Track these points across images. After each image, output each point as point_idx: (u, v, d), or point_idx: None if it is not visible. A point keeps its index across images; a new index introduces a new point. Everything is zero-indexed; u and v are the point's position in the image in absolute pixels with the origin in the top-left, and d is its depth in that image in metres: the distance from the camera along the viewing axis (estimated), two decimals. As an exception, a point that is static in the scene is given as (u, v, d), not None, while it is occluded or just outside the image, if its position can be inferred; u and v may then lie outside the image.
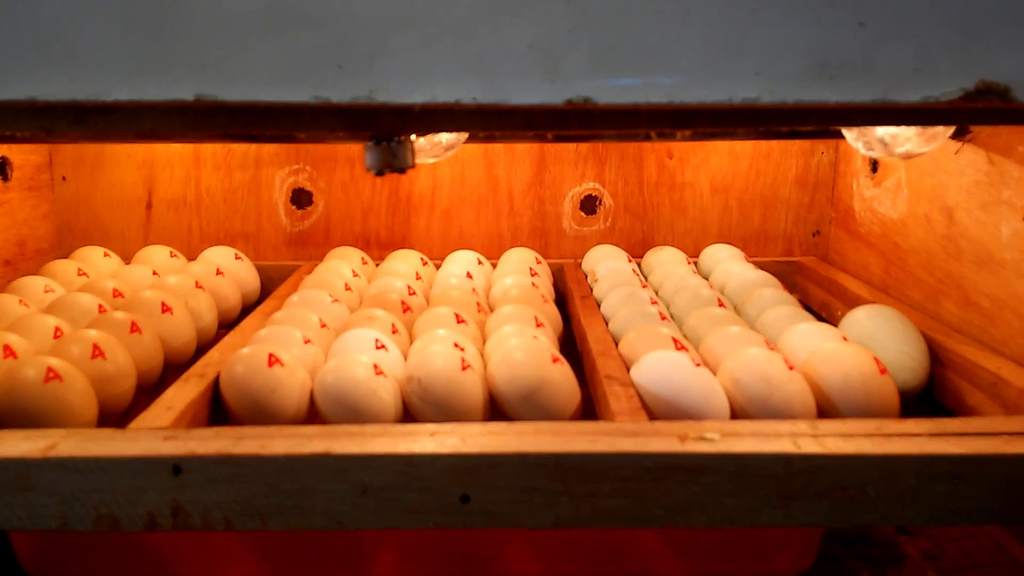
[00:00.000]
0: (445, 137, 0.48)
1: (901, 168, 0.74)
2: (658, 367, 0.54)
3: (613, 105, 0.37)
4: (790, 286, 0.87)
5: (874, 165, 0.79)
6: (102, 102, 0.35)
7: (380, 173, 0.40)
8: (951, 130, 0.52)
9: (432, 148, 0.50)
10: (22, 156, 0.83)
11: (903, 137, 0.50)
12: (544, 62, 0.37)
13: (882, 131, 0.51)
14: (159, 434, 0.44)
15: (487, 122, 0.39)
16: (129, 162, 0.88)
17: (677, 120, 0.39)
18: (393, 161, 0.39)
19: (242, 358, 0.53)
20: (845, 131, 0.54)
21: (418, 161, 0.54)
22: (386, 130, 0.39)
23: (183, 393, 0.51)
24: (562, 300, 0.80)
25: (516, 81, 0.37)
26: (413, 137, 0.43)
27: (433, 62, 0.36)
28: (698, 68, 0.37)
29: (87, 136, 0.60)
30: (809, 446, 0.43)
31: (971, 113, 0.40)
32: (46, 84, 0.35)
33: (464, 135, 0.51)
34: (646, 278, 0.82)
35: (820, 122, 0.39)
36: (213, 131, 0.38)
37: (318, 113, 0.38)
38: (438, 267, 0.85)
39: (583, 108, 0.37)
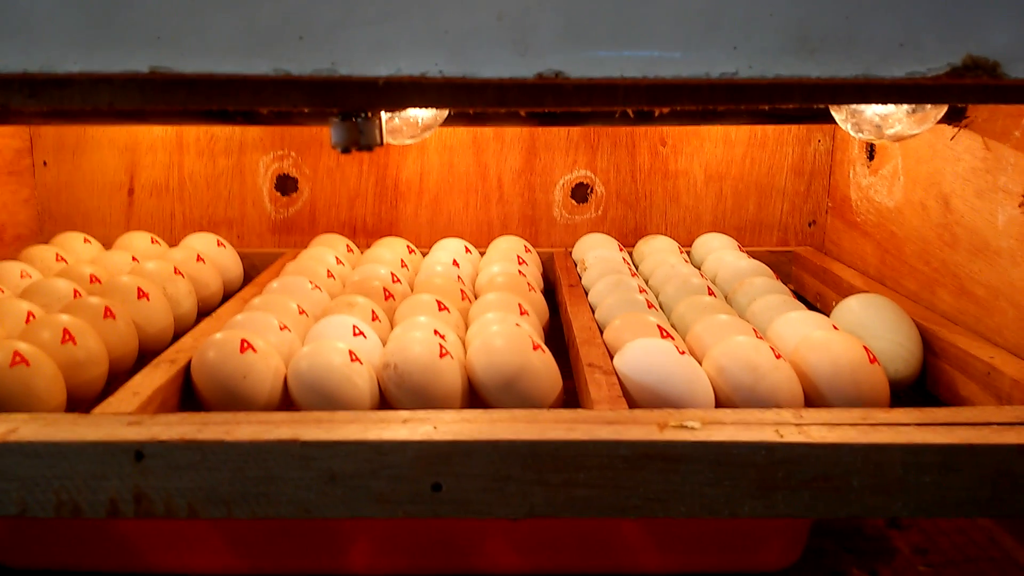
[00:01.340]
0: (420, 116, 0.47)
1: (898, 155, 0.72)
2: (641, 355, 0.52)
3: (586, 79, 0.35)
4: (785, 276, 0.85)
5: (870, 152, 0.78)
6: (55, 74, 0.34)
7: (346, 150, 0.38)
8: (942, 111, 0.51)
9: (408, 128, 0.49)
10: (2, 141, 0.82)
11: (893, 118, 0.48)
12: (514, 34, 0.35)
13: (871, 112, 0.49)
14: (123, 419, 0.43)
15: (456, 97, 0.38)
16: (111, 147, 0.87)
17: (654, 96, 0.38)
18: (360, 138, 0.38)
19: (214, 343, 0.52)
20: (834, 112, 0.52)
21: (395, 142, 0.53)
22: (352, 105, 0.38)
23: (151, 379, 0.50)
24: (551, 289, 0.79)
25: (485, 54, 0.35)
26: (385, 115, 0.42)
27: (398, 34, 0.35)
28: (673, 41, 0.35)
29: (49, 113, 0.59)
30: (792, 435, 0.42)
31: (959, 90, 0.38)
32: (-4, 55, 0.34)
33: (441, 114, 0.50)
34: (637, 267, 0.81)
35: (802, 99, 0.38)
36: (174, 106, 0.36)
37: (280, 86, 0.37)
38: (425, 255, 0.84)
39: (554, 82, 0.35)
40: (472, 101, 0.38)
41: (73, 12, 0.34)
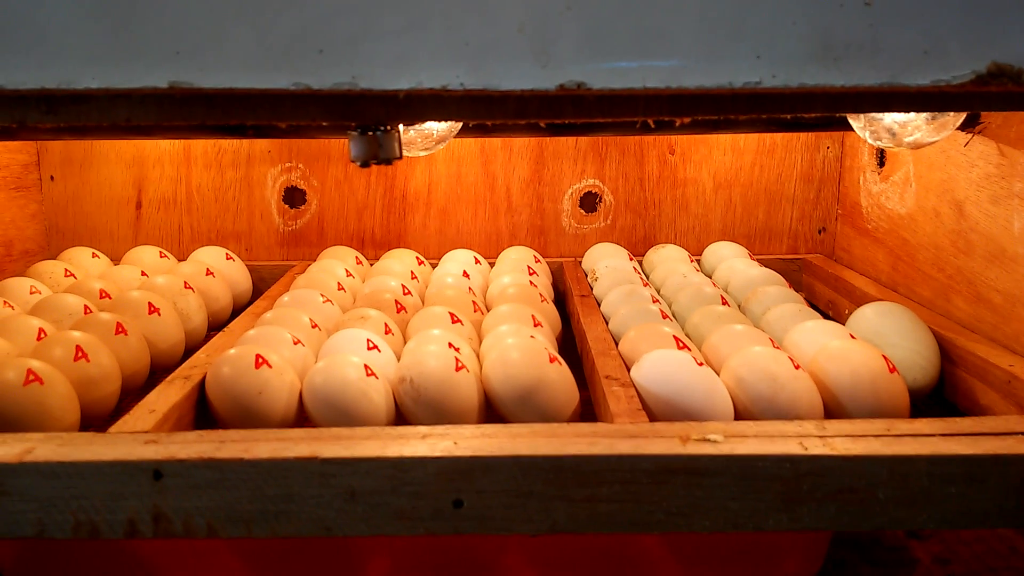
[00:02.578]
0: (436, 128, 0.47)
1: (909, 162, 0.72)
2: (659, 367, 0.52)
3: (608, 90, 0.35)
4: (796, 284, 0.85)
5: (881, 159, 0.78)
6: (73, 90, 0.34)
7: (365, 164, 0.38)
8: (960, 118, 0.50)
9: (423, 140, 0.48)
10: (9, 155, 0.82)
11: (912, 126, 0.48)
12: (535, 45, 0.35)
13: (890, 120, 0.49)
14: (140, 438, 0.43)
15: (476, 110, 0.38)
16: (118, 161, 0.87)
17: (675, 106, 0.37)
18: (379, 152, 0.38)
19: (228, 359, 0.51)
20: (852, 120, 0.52)
21: (409, 154, 0.53)
22: (371, 119, 0.37)
23: (167, 396, 0.49)
24: (561, 299, 0.79)
25: (506, 66, 0.35)
26: (401, 128, 0.41)
27: (418, 46, 0.35)
28: (697, 51, 0.35)
29: (61, 129, 0.59)
30: (816, 447, 0.42)
31: (983, 97, 0.38)
32: (14, 71, 0.34)
33: (456, 127, 0.49)
34: (647, 276, 0.81)
35: (825, 108, 0.38)
36: (192, 121, 0.36)
37: (299, 101, 0.36)
38: (434, 266, 0.84)
39: (576, 93, 0.35)
40: (492, 113, 0.38)
41: (91, 27, 0.34)
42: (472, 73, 0.35)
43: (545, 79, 0.35)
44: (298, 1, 0.34)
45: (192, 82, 0.34)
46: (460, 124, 0.50)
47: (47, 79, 0.34)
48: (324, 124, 0.38)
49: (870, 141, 0.51)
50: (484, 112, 0.38)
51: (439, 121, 0.45)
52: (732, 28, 0.35)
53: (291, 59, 0.34)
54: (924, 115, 0.48)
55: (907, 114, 0.48)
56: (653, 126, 0.47)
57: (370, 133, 0.38)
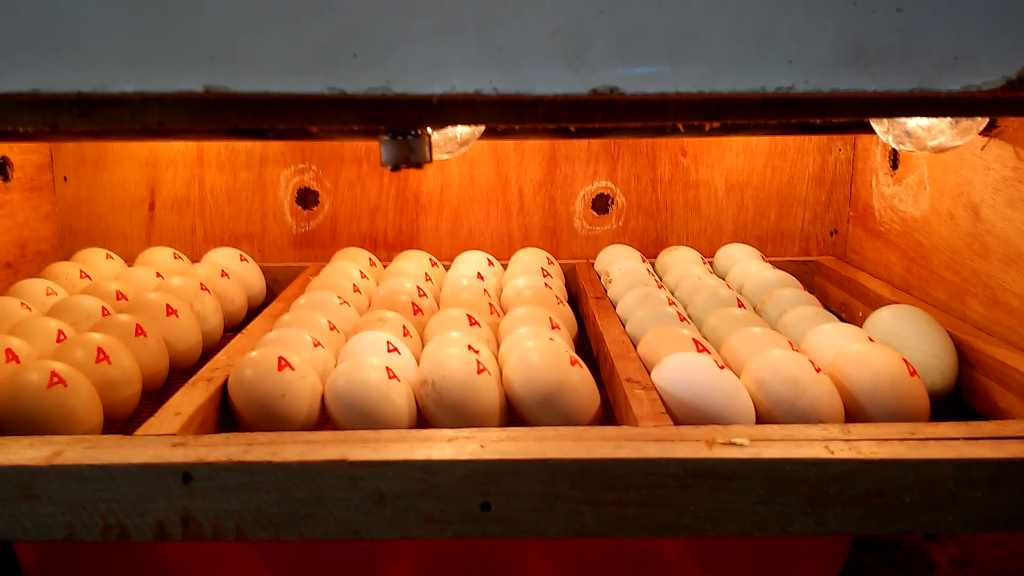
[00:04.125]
0: (460, 132, 0.47)
1: (923, 165, 0.72)
2: (681, 369, 0.52)
3: (640, 95, 0.35)
4: (808, 286, 0.85)
5: (894, 162, 0.78)
6: (107, 94, 0.34)
7: (396, 168, 0.38)
8: (984, 123, 0.51)
9: (446, 144, 0.49)
10: (23, 156, 0.82)
11: (936, 130, 0.48)
12: (568, 50, 0.35)
13: (914, 123, 0.49)
14: (167, 440, 0.43)
15: (507, 114, 0.38)
16: (131, 162, 0.87)
17: (706, 111, 0.37)
18: (410, 156, 0.38)
19: (251, 361, 0.52)
20: (875, 124, 0.52)
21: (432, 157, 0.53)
22: (402, 123, 0.37)
23: (191, 398, 0.49)
24: (574, 301, 0.79)
25: (539, 71, 0.35)
26: (429, 131, 0.41)
27: (452, 51, 0.35)
28: (729, 55, 0.35)
29: (92, 132, 0.59)
30: (842, 451, 0.42)
31: (1013, 103, 0.38)
32: (49, 75, 0.34)
33: (479, 130, 0.49)
34: (661, 278, 0.81)
35: (855, 113, 0.38)
36: (223, 125, 0.36)
37: (332, 105, 0.36)
38: (447, 268, 0.84)
39: (609, 98, 0.35)
40: (523, 118, 0.38)
41: (125, 31, 0.34)
42: (505, 78, 0.35)
43: (578, 84, 0.35)
44: (333, 5, 0.34)
45: (227, 86, 0.34)
46: (483, 127, 0.50)
47: (82, 82, 0.34)
48: (355, 128, 0.38)
49: (893, 144, 0.51)
50: (515, 116, 0.38)
51: (470, 125, 0.45)
52: (764, 33, 0.35)
53: (325, 63, 0.34)
54: (948, 119, 0.48)
55: (931, 118, 0.48)
56: (683, 130, 0.47)
57: (401, 137, 0.38)
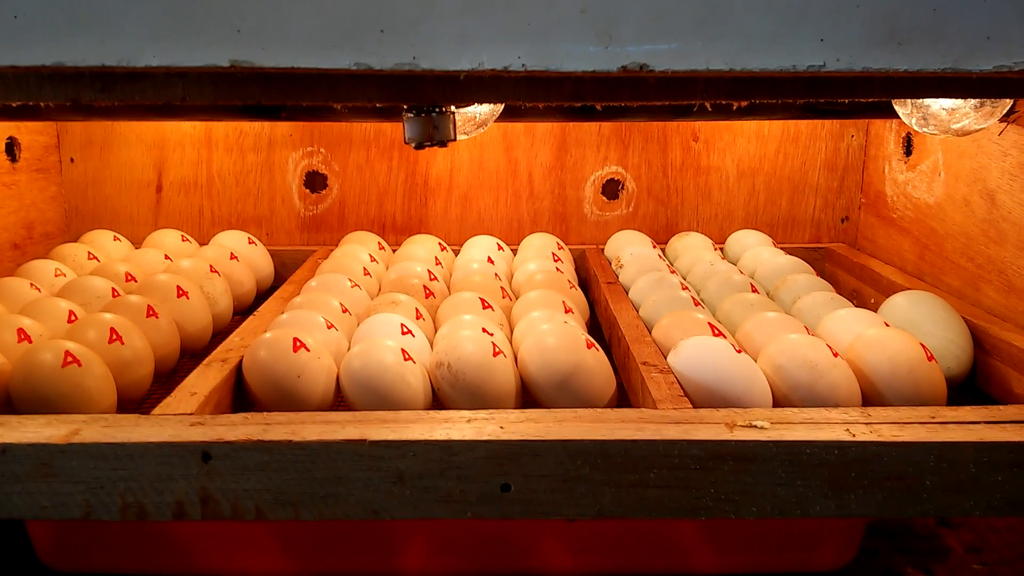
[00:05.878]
0: (480, 112, 0.46)
1: (938, 151, 0.72)
2: (698, 353, 0.52)
3: (671, 72, 0.35)
4: (819, 272, 0.85)
5: (908, 148, 0.77)
6: (132, 68, 0.33)
7: (420, 146, 0.38)
8: (1008, 105, 0.50)
9: (464, 124, 0.48)
10: (30, 136, 0.81)
11: (960, 112, 0.48)
12: (598, 27, 0.35)
13: (938, 106, 0.48)
14: (186, 420, 0.42)
15: (533, 92, 0.37)
16: (139, 143, 0.86)
17: (735, 90, 0.37)
18: (434, 133, 0.37)
19: (266, 342, 0.51)
20: (898, 106, 0.52)
21: (450, 138, 0.52)
22: (427, 99, 0.37)
23: (206, 378, 0.49)
24: (584, 287, 0.78)
25: (568, 47, 0.35)
26: (453, 108, 0.41)
27: (480, 26, 0.34)
28: (760, 33, 0.35)
29: (112, 108, 0.58)
30: (863, 434, 0.42)
31: (1043, 84, 0.38)
32: (74, 48, 0.33)
33: (498, 110, 0.49)
34: (672, 264, 0.80)
35: (884, 93, 0.38)
36: (248, 101, 0.36)
37: (357, 81, 0.36)
38: (456, 253, 0.83)
39: (638, 75, 0.35)
40: (548, 96, 0.37)
41: (152, 4, 0.33)
42: (534, 54, 0.34)
43: (607, 61, 0.35)
44: (360, -21, 0.33)
45: (253, 61, 0.33)
46: (501, 107, 0.50)
47: (107, 56, 0.33)
48: (378, 105, 0.37)
49: (915, 127, 0.51)
50: (541, 94, 0.37)
51: (493, 103, 0.45)
52: (797, 10, 0.35)
53: (353, 38, 0.34)
54: (973, 101, 0.47)
55: (956, 100, 0.48)
56: (709, 109, 0.47)
57: (425, 114, 0.37)
